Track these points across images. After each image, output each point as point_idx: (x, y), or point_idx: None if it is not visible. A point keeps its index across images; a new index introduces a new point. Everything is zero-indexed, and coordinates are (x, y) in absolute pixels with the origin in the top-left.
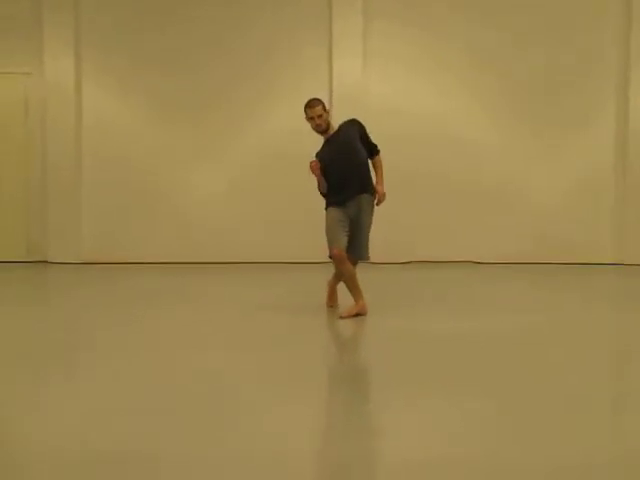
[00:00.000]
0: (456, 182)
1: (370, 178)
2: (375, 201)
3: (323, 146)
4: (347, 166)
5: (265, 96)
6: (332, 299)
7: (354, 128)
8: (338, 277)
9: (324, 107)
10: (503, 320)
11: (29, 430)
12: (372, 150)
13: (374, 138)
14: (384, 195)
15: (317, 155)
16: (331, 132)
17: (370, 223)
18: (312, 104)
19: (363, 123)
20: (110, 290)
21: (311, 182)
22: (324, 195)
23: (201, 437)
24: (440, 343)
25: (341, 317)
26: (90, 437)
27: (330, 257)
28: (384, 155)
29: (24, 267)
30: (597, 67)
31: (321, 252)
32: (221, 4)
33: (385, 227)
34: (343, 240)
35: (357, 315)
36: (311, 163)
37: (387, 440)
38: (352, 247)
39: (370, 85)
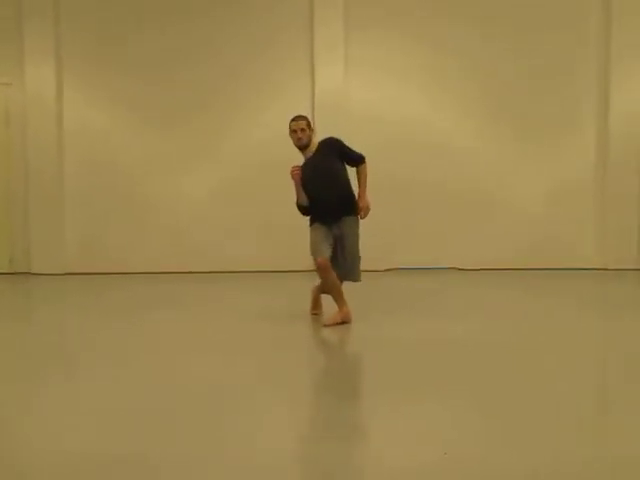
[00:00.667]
0: (439, 188)
1: (353, 198)
2: (359, 217)
3: (303, 168)
4: (328, 191)
5: (248, 103)
6: (316, 307)
7: (332, 149)
8: (322, 285)
9: (309, 124)
10: (488, 326)
11: (25, 432)
12: (356, 160)
13: (356, 146)
14: (367, 208)
15: (302, 170)
16: (310, 153)
17: (355, 243)
18: (296, 118)
19: (340, 139)
20: (96, 300)
21: (294, 189)
22: (301, 209)
23: (193, 439)
24: (425, 349)
25: (325, 325)
26: (87, 440)
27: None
28: (369, 163)
29: (6, 279)
30: (578, 71)
31: (308, 260)
32: (203, 12)
33: (367, 234)
34: (326, 251)
35: (342, 323)
36: (292, 169)
37: (373, 446)
38: (339, 269)
39: (352, 92)
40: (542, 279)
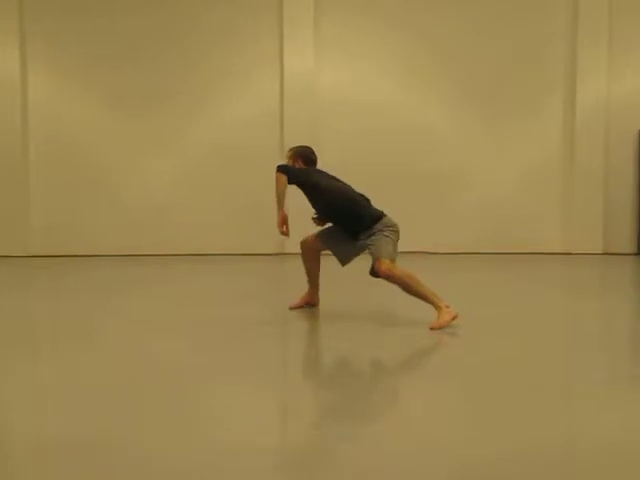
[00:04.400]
0: (408, 172)
1: (361, 219)
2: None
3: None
4: (330, 218)
5: (217, 87)
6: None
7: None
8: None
9: (293, 156)
10: (461, 311)
11: None
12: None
13: (325, 130)
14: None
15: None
16: None
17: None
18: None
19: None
20: (61, 283)
21: (262, 173)
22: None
23: (160, 421)
24: (397, 333)
25: (291, 307)
26: (52, 422)
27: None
28: (334, 144)
29: None
30: (545, 56)
31: (273, 243)
32: None
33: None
34: (319, 238)
35: (307, 305)
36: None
37: (347, 430)
38: (340, 252)
39: (322, 75)
40: (508, 263)
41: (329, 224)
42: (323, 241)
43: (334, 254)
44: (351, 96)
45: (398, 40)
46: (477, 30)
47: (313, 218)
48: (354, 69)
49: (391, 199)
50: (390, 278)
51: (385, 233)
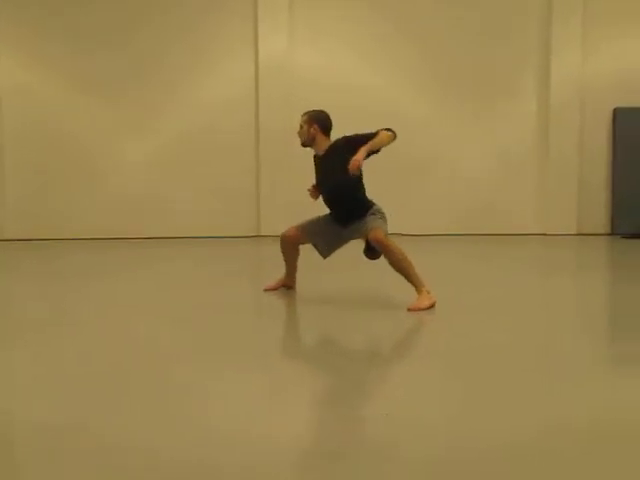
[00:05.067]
0: (382, 154)
1: (363, 204)
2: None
3: (317, 165)
4: (336, 204)
5: (191, 69)
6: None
7: (341, 151)
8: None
9: (309, 120)
10: (437, 290)
11: None
12: (372, 134)
13: (300, 110)
14: (357, 163)
15: (314, 160)
16: (320, 151)
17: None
18: (304, 113)
19: (348, 135)
20: (35, 267)
21: (238, 155)
22: None
23: (139, 407)
24: (377, 316)
25: (265, 289)
26: (28, 408)
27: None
28: None
29: None
30: (519, 39)
31: (249, 226)
32: None
33: (310, 201)
34: (305, 231)
35: (283, 287)
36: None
37: (331, 410)
38: (322, 245)
39: (296, 57)
40: (483, 244)
41: (316, 216)
42: (305, 234)
43: (315, 247)
44: (326, 78)
45: (372, 22)
46: (451, 10)
47: (309, 189)
48: (329, 51)
49: (365, 181)
50: (385, 247)
51: (377, 216)
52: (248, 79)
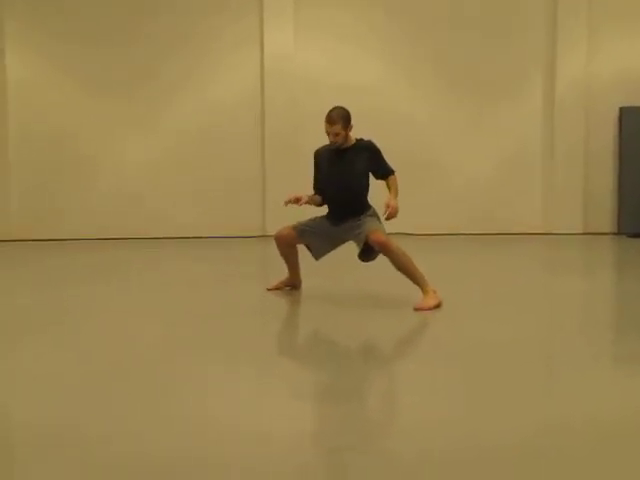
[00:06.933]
0: (388, 154)
1: (364, 206)
2: (385, 215)
3: (329, 158)
4: (339, 199)
5: (197, 68)
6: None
7: (364, 156)
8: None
9: (344, 125)
10: (443, 289)
11: None
12: (384, 174)
13: (305, 112)
14: (396, 209)
15: (317, 155)
16: (345, 145)
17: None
18: (331, 119)
19: (377, 147)
20: (38, 268)
21: (243, 155)
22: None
23: (133, 408)
24: (382, 315)
25: (269, 289)
26: (21, 410)
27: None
28: (315, 126)
29: None
30: (525, 40)
31: (252, 226)
32: None
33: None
34: (298, 231)
35: (290, 287)
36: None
37: (330, 409)
38: (315, 245)
39: (302, 57)
40: (489, 244)
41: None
42: (299, 234)
43: (308, 247)
44: (331, 78)
45: (377, 23)
46: (458, 12)
47: (294, 198)
48: (334, 51)
49: (370, 182)
50: (387, 249)
51: (374, 217)
52: (253, 80)
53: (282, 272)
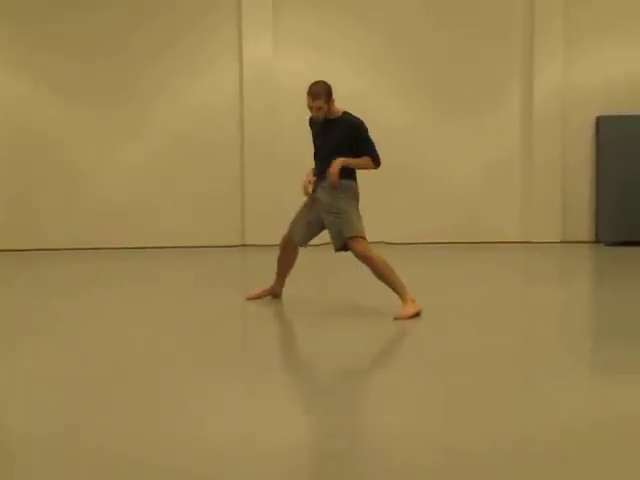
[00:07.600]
0: None
1: (345, 173)
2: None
3: (318, 126)
4: (323, 163)
5: (176, 75)
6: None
7: (344, 129)
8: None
9: (326, 100)
10: (422, 298)
11: None
12: (361, 152)
13: (285, 120)
14: (334, 174)
15: (311, 123)
16: (331, 114)
17: (332, 214)
18: (313, 94)
19: (364, 128)
20: (21, 278)
21: (223, 162)
22: None
23: (127, 413)
24: (363, 323)
25: (248, 298)
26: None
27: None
28: (294, 135)
29: None
30: (502, 48)
31: (233, 235)
32: None
33: (296, 209)
34: (295, 231)
35: (269, 296)
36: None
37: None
38: (299, 229)
39: (281, 64)
40: (468, 252)
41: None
42: (290, 232)
43: (291, 232)
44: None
45: (357, 31)
46: (437, 22)
47: (308, 182)
48: (313, 59)
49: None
50: (366, 259)
51: (351, 203)
52: (233, 88)
53: (263, 281)
